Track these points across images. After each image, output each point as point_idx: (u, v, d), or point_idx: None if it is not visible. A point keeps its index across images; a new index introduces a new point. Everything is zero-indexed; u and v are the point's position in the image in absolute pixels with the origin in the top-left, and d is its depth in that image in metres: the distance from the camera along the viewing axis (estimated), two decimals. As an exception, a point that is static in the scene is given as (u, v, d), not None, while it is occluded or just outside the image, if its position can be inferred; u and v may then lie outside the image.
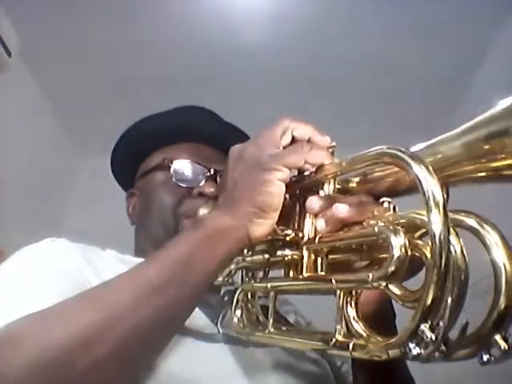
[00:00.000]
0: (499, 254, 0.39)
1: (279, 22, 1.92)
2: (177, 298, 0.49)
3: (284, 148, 0.55)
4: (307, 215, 0.55)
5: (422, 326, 0.37)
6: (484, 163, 0.41)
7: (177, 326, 0.54)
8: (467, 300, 0.39)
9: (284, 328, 0.61)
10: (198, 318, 0.68)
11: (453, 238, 0.39)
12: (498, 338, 0.37)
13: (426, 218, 0.39)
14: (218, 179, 0.88)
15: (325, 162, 0.54)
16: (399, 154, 0.42)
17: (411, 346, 0.38)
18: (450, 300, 0.38)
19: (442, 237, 0.37)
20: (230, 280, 0.65)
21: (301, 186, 0.58)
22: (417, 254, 0.43)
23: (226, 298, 0.75)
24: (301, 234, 0.55)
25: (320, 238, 0.53)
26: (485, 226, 0.40)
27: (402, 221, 0.45)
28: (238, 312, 0.65)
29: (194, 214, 0.77)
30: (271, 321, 0.59)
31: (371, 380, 0.66)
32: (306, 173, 0.57)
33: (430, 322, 0.37)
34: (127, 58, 2.08)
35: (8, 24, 1.84)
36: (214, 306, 0.73)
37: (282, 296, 0.70)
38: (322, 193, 0.55)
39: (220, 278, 0.62)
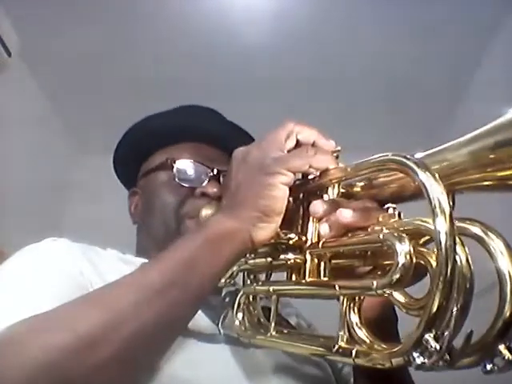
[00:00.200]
0: (504, 262, 0.38)
1: (279, 22, 1.92)
2: (180, 300, 0.49)
3: (288, 151, 0.55)
4: (311, 219, 0.55)
5: (427, 336, 0.37)
6: (490, 172, 0.40)
7: (180, 327, 0.54)
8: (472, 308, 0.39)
9: (286, 331, 0.61)
10: (200, 319, 0.68)
11: (458, 246, 0.39)
12: (501, 347, 0.37)
13: (431, 226, 0.38)
14: (221, 179, 0.87)
15: (329, 167, 0.53)
16: (405, 161, 0.42)
17: (415, 355, 0.38)
18: (455, 309, 0.38)
19: (447, 245, 0.36)
20: (232, 281, 0.65)
21: (305, 190, 0.57)
22: (421, 262, 0.43)
23: (227, 299, 0.75)
24: (304, 238, 0.55)
25: (323, 243, 0.52)
26: (489, 233, 0.40)
27: (406, 228, 0.44)
28: (240, 315, 0.65)
29: (197, 214, 0.77)
30: (273, 324, 0.58)
31: None
32: (310, 176, 0.56)
33: (434, 332, 0.37)
34: (127, 57, 2.07)
35: (8, 24, 1.83)
36: (215, 306, 0.72)
37: (284, 298, 0.70)
38: (326, 197, 0.55)
39: (222, 280, 0.61)
